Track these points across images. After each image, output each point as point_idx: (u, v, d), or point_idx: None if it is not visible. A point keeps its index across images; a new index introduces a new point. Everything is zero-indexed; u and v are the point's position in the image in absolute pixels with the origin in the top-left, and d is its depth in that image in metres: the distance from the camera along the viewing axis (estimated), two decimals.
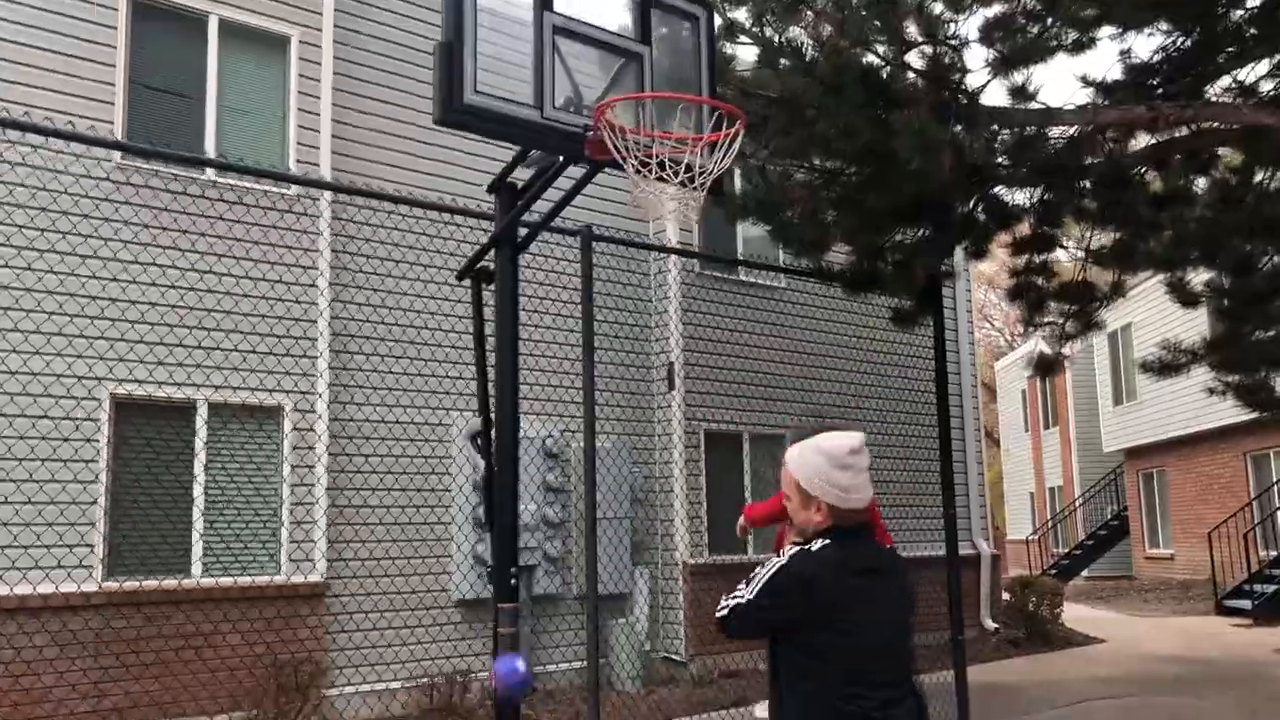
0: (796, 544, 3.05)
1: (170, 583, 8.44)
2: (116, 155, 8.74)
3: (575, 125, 4.20)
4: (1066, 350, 8.67)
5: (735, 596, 3.04)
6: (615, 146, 4.04)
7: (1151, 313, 21.45)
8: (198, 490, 8.78)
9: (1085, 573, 26.49)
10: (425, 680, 9.18)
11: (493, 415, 4.74)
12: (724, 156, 4.28)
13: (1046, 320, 8.58)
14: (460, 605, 10.07)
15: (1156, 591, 21.73)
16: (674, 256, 12.07)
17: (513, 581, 4.53)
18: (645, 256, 12.26)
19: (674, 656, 11.62)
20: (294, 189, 9.59)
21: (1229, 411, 18.91)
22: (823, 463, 3.08)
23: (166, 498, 8.66)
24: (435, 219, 9.86)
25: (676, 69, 4.79)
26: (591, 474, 6.78)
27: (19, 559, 7.76)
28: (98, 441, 8.35)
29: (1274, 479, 19.29)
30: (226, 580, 8.70)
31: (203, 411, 8.87)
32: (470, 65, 4.03)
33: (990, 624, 14.45)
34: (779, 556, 3.02)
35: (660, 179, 4.12)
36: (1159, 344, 10.73)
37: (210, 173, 9.15)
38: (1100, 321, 8.52)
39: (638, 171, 4.03)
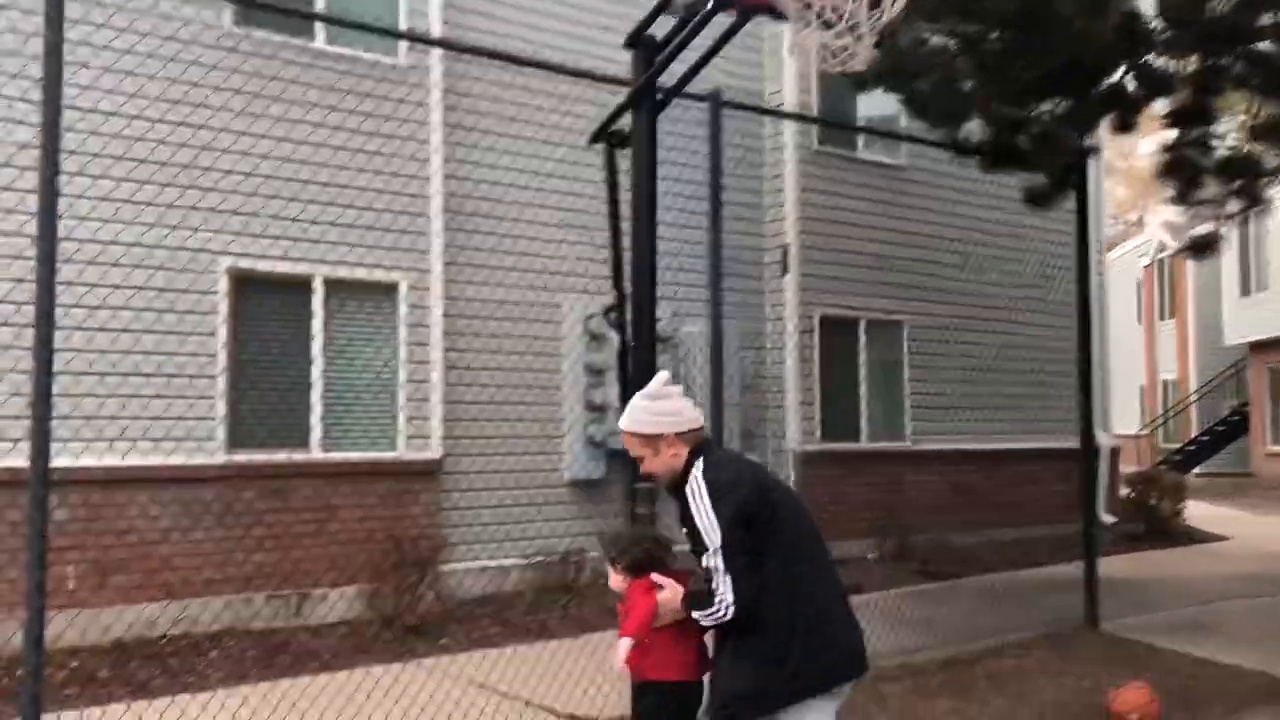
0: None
1: (290, 457, 8.48)
2: (227, 19, 8.50)
3: None
4: (1226, 231, 8.05)
5: (718, 576, 3.07)
6: None
7: None
8: (315, 366, 8.76)
9: (1198, 469, 25.65)
10: (540, 559, 9.18)
11: (627, 289, 4.49)
12: (893, 4, 3.88)
13: (1204, 198, 7.95)
14: (572, 486, 10.02)
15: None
16: (790, 133, 11.55)
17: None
18: (760, 135, 11.77)
19: None
20: (404, 59, 9.30)
21: None
22: (645, 404, 3.30)
23: (285, 373, 8.66)
24: (554, 85, 9.47)
25: None
26: (718, 360, 6.54)
27: (150, 429, 7.84)
28: (216, 316, 8.34)
29: None
30: (344, 456, 8.73)
31: (319, 288, 8.80)
32: None
33: (1107, 518, 14.02)
34: (693, 498, 3.13)
35: (825, 25, 3.75)
36: None
37: (320, 41, 8.89)
38: (1266, 198, 7.87)
39: (802, 14, 3.66)
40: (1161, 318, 30.57)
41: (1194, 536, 13.55)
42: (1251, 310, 23.74)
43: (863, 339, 12.16)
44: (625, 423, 3.32)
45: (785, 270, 11.43)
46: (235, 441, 8.41)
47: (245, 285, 8.58)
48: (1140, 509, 13.40)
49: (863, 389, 12.12)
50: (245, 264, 8.46)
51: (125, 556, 7.76)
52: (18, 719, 4.13)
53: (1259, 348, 24.10)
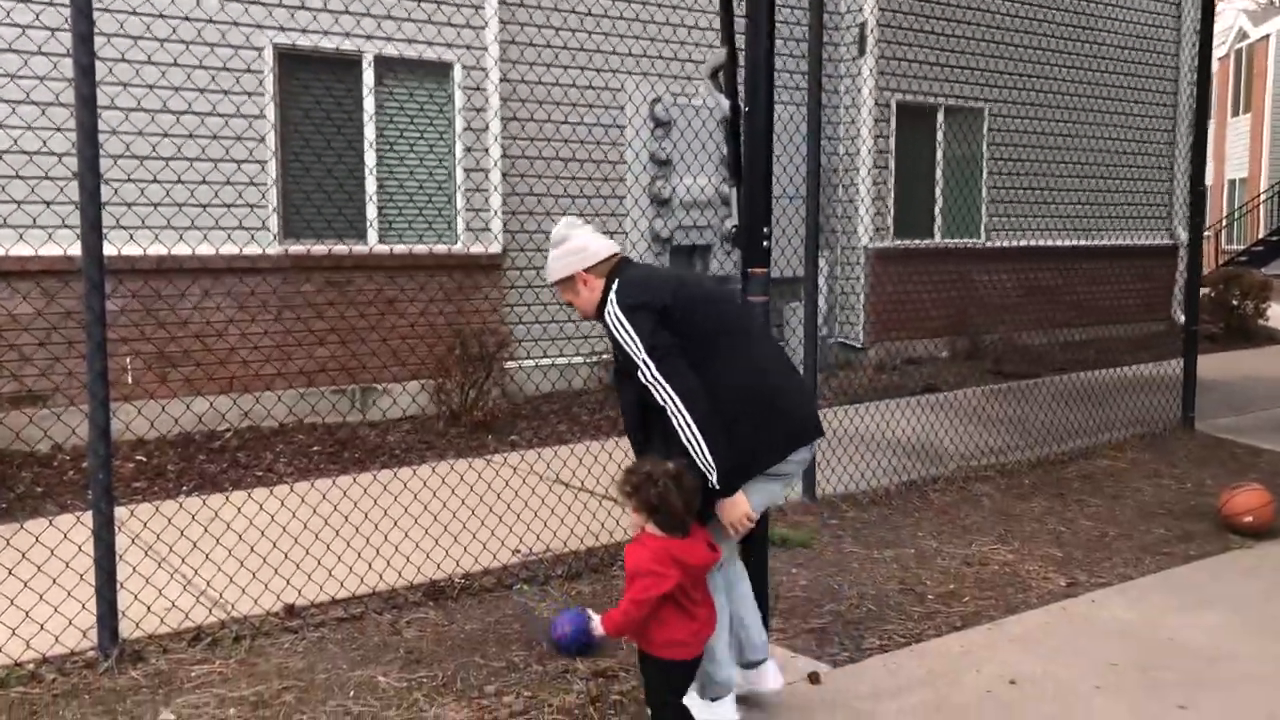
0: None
1: (346, 248, 8.09)
2: None
3: None
4: None
5: (656, 389, 3.07)
6: None
7: None
8: (369, 153, 8.25)
9: (1265, 270, 24.74)
10: (605, 357, 8.87)
11: (739, 46, 3.93)
12: None
13: None
14: None
15: None
16: None
17: (765, 244, 3.87)
18: None
19: (851, 342, 11.12)
20: None
21: None
22: (555, 254, 3.32)
23: (337, 160, 8.15)
24: None
25: None
26: (816, 148, 6.02)
27: (198, 217, 7.44)
28: (262, 96, 7.79)
29: None
30: (403, 248, 8.32)
31: (369, 66, 8.19)
32: None
33: (1183, 317, 13.50)
34: (612, 323, 3.14)
35: None
36: None
37: None
38: None
39: None
40: (1234, 114, 29.09)
41: (1275, 338, 13.05)
42: None
43: (941, 128, 11.42)
44: (552, 276, 3.35)
45: (862, 50, 10.61)
46: (290, 232, 8.01)
47: (292, 63, 7.99)
48: (1221, 309, 12.86)
49: (939, 183, 11.47)
50: (290, 39, 7.83)
51: (184, 349, 7.50)
52: (88, 512, 3.92)
53: None
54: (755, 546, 3.86)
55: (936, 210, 11.48)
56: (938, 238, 11.48)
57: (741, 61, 3.87)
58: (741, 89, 3.89)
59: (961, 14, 11.18)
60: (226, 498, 5.86)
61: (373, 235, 8.28)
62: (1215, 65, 30.23)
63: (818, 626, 4.38)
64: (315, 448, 7.32)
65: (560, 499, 5.71)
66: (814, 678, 3.85)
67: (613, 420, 8.06)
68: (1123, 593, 4.80)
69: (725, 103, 3.89)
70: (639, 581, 3.00)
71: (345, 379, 8.12)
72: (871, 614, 4.53)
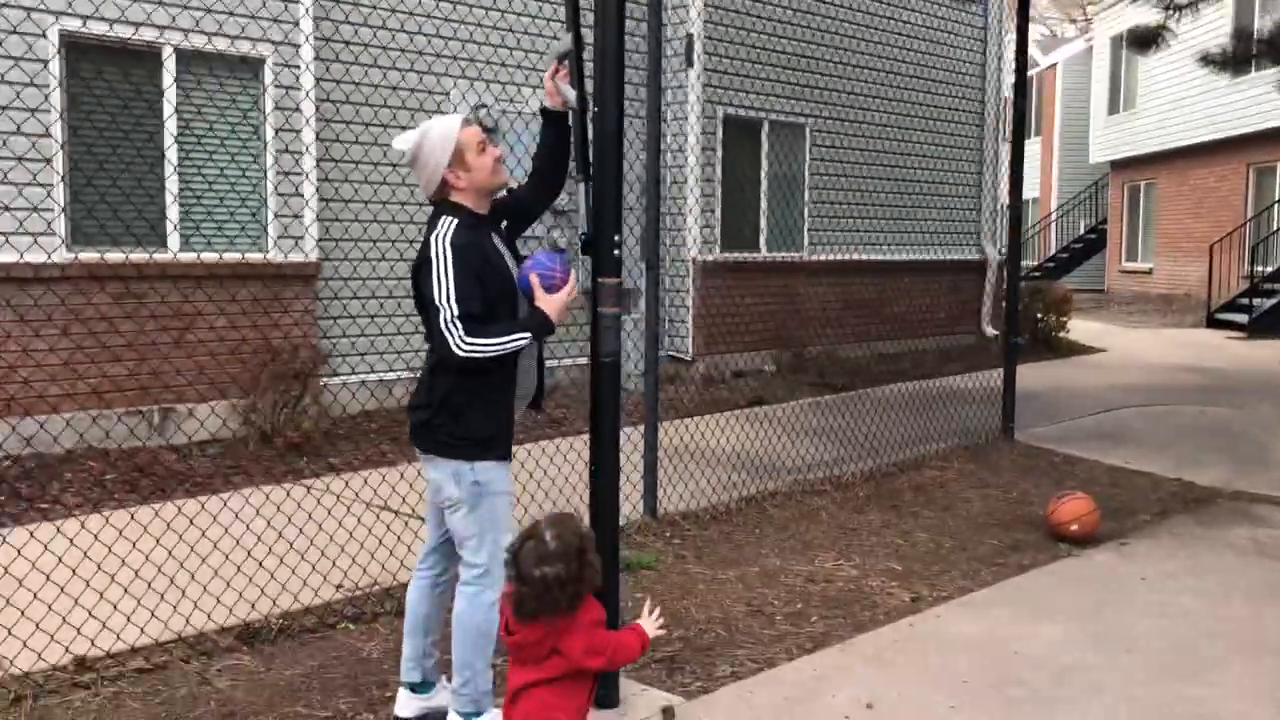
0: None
1: (145, 256, 7.42)
2: None
3: None
4: (1174, 24, 7.60)
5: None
6: None
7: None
8: (170, 153, 7.60)
9: (1058, 282, 26.35)
10: None
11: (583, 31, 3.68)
12: None
13: None
14: None
15: (1137, 305, 21.67)
16: None
17: (615, 252, 3.64)
18: None
19: (678, 355, 11.04)
20: None
21: (1241, 122, 18.14)
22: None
23: (135, 158, 7.47)
24: None
25: None
26: (656, 155, 5.86)
27: None
28: (46, 87, 7.07)
29: (1279, 193, 18.68)
30: (209, 256, 7.68)
31: (170, 59, 7.56)
32: None
33: (991, 330, 14.08)
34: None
35: None
36: (1230, 33, 9.68)
37: None
38: None
39: None
40: (1028, 136, 30.80)
41: (1075, 349, 13.74)
42: (1117, 129, 23.98)
43: (765, 142, 11.50)
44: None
45: (689, 62, 10.57)
46: (79, 237, 7.30)
47: (82, 53, 7.29)
48: (1027, 322, 13.44)
49: (764, 196, 11.55)
50: (80, 25, 7.13)
51: None
52: None
53: (1120, 166, 24.50)
54: (607, 570, 3.62)
55: (762, 223, 11.56)
56: (763, 251, 11.55)
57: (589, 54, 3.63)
58: (590, 81, 3.65)
59: (785, 30, 11.30)
60: (3, 538, 5.19)
61: (174, 241, 7.64)
62: (1008, 91, 32.04)
63: (667, 655, 4.18)
64: (109, 476, 6.65)
65: (388, 527, 5.30)
66: (668, 714, 3.63)
67: None
68: (965, 606, 4.80)
69: (571, 93, 3.63)
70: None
71: (143, 399, 7.45)
72: (721, 639, 4.36)
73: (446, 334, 3.12)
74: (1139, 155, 23.10)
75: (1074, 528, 5.80)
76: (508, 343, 3.16)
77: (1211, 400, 10.09)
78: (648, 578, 5.08)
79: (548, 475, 6.12)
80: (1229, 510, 6.53)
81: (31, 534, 4.99)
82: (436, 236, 3.21)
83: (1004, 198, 13.19)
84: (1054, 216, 28.35)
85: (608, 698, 3.58)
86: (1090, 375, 11.75)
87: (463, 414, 3.25)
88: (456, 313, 3.11)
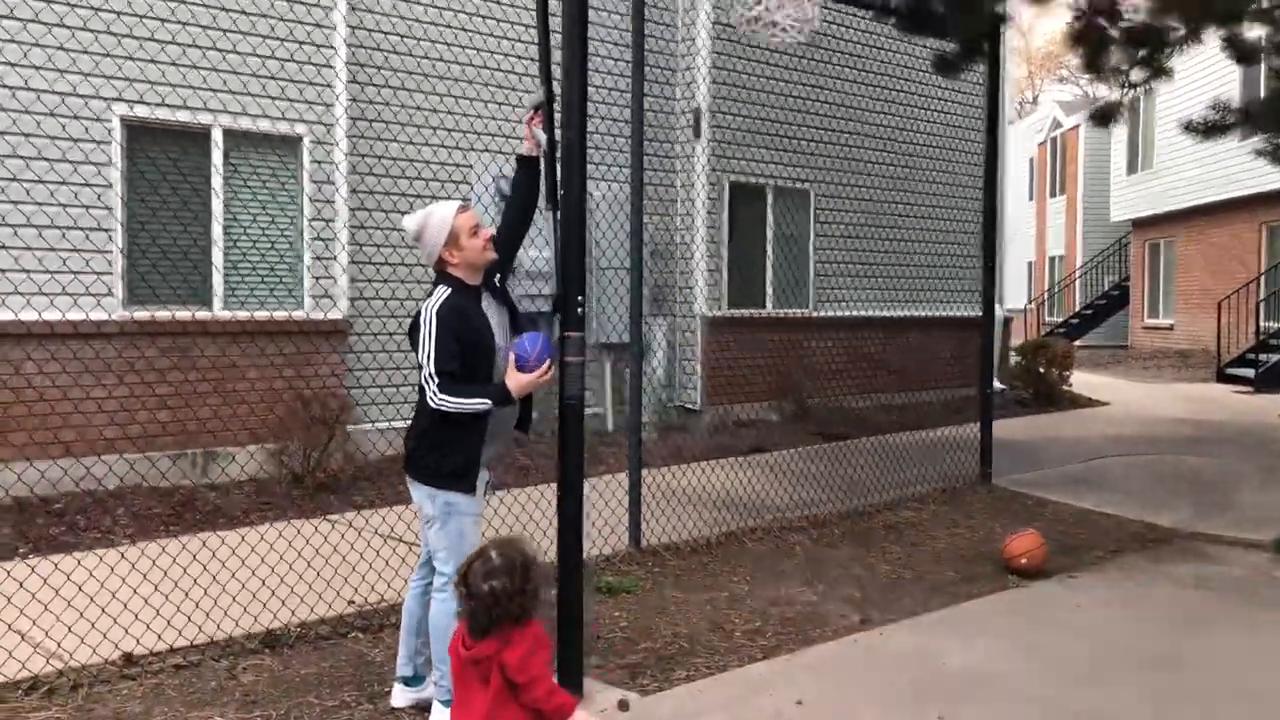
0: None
1: (192, 314, 8.25)
2: None
3: None
4: (1129, 100, 8.23)
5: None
6: None
7: (1178, 79, 20.62)
8: (216, 222, 8.46)
9: (1079, 341, 26.71)
10: None
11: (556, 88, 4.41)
12: None
13: (1110, 66, 8.09)
14: None
15: (1155, 360, 21.99)
16: None
17: (580, 310, 4.33)
18: None
19: (689, 405, 11.69)
20: None
21: (1253, 181, 18.61)
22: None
23: (185, 229, 8.34)
24: None
25: None
26: (639, 226, 6.55)
27: (46, 284, 7.52)
28: (110, 167, 7.96)
29: None
30: (247, 314, 8.52)
31: (219, 139, 8.44)
32: None
33: (997, 385, 14.56)
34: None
35: None
36: (1207, 104, 10.23)
37: None
38: (1169, 69, 8.04)
39: None
40: (1052, 195, 31.36)
41: (1078, 402, 14.20)
42: (1136, 188, 24.48)
43: (770, 206, 12.22)
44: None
45: (697, 134, 11.35)
46: (135, 298, 8.14)
47: (141, 135, 8.19)
48: (1030, 376, 13.96)
49: (769, 256, 12.24)
50: (140, 112, 8.05)
51: (23, 413, 7.52)
52: None
53: (1141, 225, 24.95)
54: (568, 587, 4.28)
55: (768, 282, 12.23)
56: (769, 307, 12.22)
57: (558, 108, 4.35)
58: (559, 131, 4.36)
59: (788, 102, 12.05)
60: (56, 563, 5.94)
61: (219, 301, 8.46)
62: (1035, 151, 32.65)
63: (633, 662, 4.78)
64: (155, 509, 7.40)
65: (395, 552, 6.00)
66: (623, 705, 4.24)
67: None
68: (909, 627, 5.35)
69: (543, 136, 4.37)
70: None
71: (188, 443, 8.23)
72: (683, 650, 4.96)
73: (426, 386, 3.81)
74: (1158, 214, 23.57)
75: (1024, 561, 6.33)
76: (471, 404, 3.81)
77: (1197, 450, 10.54)
78: (626, 600, 5.69)
79: (545, 515, 6.77)
80: (1181, 549, 7.00)
81: (92, 553, 5.73)
82: (428, 305, 3.90)
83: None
84: (1078, 274, 28.76)
85: (571, 691, 4.20)
86: (1086, 426, 12.22)
87: (437, 448, 3.91)
88: (434, 369, 3.79)
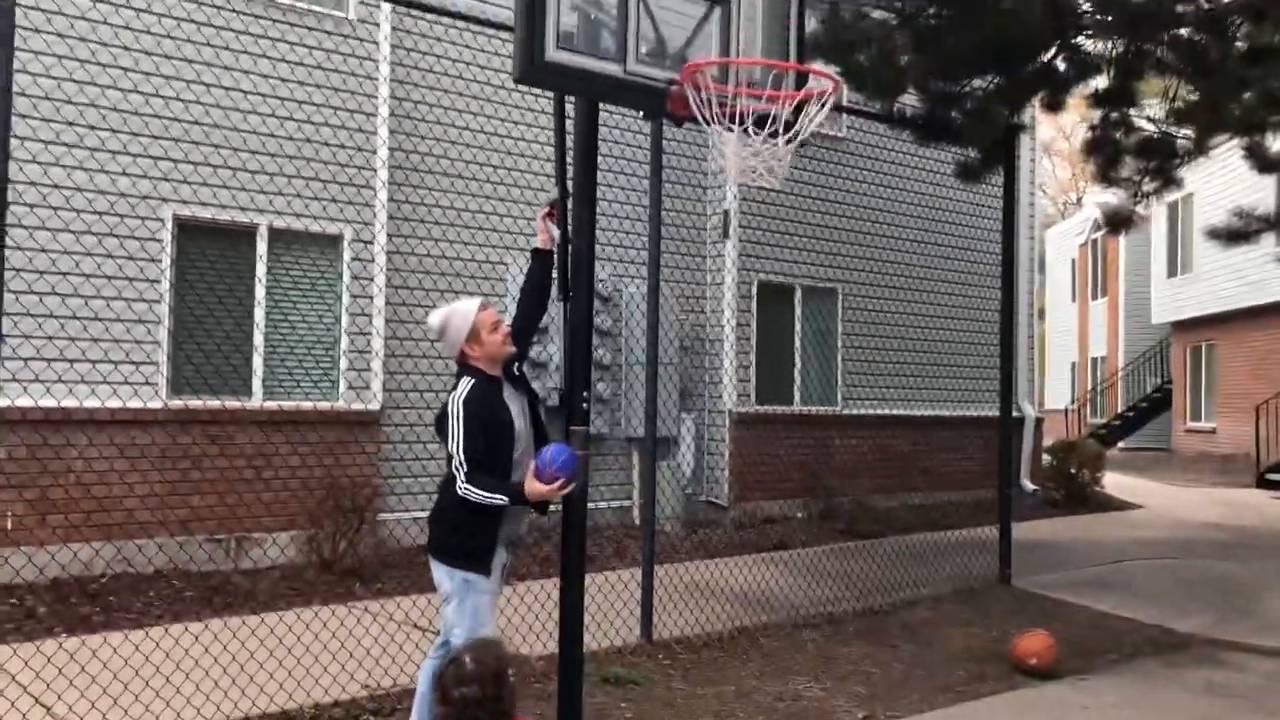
0: None
1: (232, 403, 8.60)
2: None
3: (658, 80, 4.21)
4: (1142, 209, 8.43)
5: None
6: (698, 104, 4.07)
7: (1214, 184, 20.80)
8: (259, 315, 8.87)
9: (1122, 444, 26.51)
10: None
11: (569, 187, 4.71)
12: (817, 114, 4.23)
13: (1123, 176, 8.32)
14: None
15: (1197, 464, 21.76)
16: None
17: (584, 405, 4.56)
18: None
19: (716, 501, 11.81)
20: (354, 13, 9.38)
21: None
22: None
23: (229, 321, 8.76)
24: (502, 44, 9.57)
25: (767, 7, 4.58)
26: (654, 315, 6.79)
27: (88, 374, 7.90)
28: (160, 262, 8.41)
29: None
30: (286, 404, 8.86)
31: (264, 236, 8.88)
32: (553, 20, 3.94)
33: (1029, 485, 14.55)
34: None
35: (744, 130, 4.06)
36: (1230, 210, 10.41)
37: None
38: (1179, 179, 8.26)
39: (725, 128, 4.00)
40: (1094, 297, 31.37)
41: (1110, 504, 14.12)
42: (1177, 290, 24.47)
43: (798, 305, 12.48)
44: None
45: (726, 235, 11.68)
46: (177, 387, 8.51)
47: (191, 232, 8.65)
48: (1061, 477, 13.92)
49: (797, 354, 12.45)
50: (190, 211, 8.53)
51: (64, 497, 7.85)
52: None
53: (1182, 327, 24.87)
54: (568, 675, 4.43)
55: (795, 379, 12.42)
56: (797, 404, 12.38)
57: (570, 205, 4.65)
58: (570, 226, 4.66)
59: (815, 204, 12.37)
60: (84, 640, 6.18)
61: (258, 391, 8.81)
62: (1076, 252, 32.77)
63: None
64: (188, 593, 7.64)
65: (409, 637, 6.18)
66: None
67: None
68: None
69: (557, 231, 4.69)
70: None
71: (222, 528, 8.51)
72: None
73: (456, 473, 4.05)
74: (1198, 317, 23.51)
75: (1033, 662, 6.36)
76: (490, 497, 4.02)
77: (1226, 555, 10.46)
78: (633, 691, 5.80)
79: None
80: (1197, 655, 6.98)
81: (124, 636, 5.96)
82: (454, 397, 4.16)
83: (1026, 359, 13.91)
84: (1120, 375, 28.61)
85: None
86: (1115, 529, 12.16)
87: (457, 530, 4.13)
88: (464, 458, 4.04)
